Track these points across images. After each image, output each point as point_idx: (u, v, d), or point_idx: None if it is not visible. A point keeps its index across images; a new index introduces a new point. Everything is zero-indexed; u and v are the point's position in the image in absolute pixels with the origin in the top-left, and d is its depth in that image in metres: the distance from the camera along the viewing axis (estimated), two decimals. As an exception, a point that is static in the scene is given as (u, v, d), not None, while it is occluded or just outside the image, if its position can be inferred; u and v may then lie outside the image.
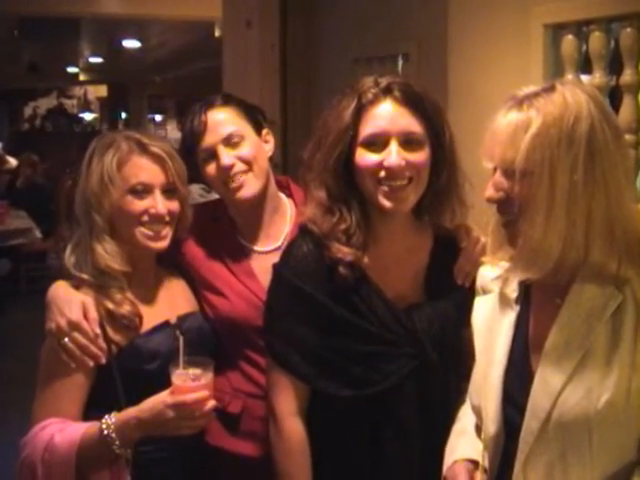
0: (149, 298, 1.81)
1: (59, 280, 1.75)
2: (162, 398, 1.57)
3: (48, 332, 1.67)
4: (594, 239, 1.31)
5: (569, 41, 2.46)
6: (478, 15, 2.81)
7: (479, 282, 1.58)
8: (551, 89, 1.33)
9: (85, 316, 1.66)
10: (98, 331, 1.66)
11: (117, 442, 1.58)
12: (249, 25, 4.10)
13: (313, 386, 1.67)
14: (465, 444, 1.54)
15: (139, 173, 1.74)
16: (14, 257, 8.20)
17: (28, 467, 1.63)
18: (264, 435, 1.79)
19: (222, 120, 1.89)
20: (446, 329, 1.67)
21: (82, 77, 15.62)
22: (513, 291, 1.47)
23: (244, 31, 4.13)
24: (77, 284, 1.73)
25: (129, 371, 1.68)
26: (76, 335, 1.64)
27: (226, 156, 1.86)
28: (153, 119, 17.74)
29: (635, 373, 1.29)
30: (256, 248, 1.96)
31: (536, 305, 1.44)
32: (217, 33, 6.51)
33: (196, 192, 2.63)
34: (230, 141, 1.88)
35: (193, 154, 1.90)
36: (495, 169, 1.37)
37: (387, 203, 1.59)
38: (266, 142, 1.98)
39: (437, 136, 1.63)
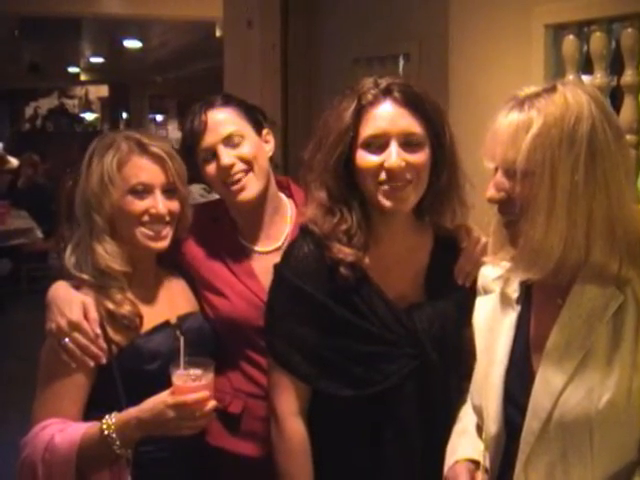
0: (149, 298, 1.81)
1: (59, 280, 1.75)
2: (163, 398, 1.57)
3: (48, 332, 1.67)
4: (595, 239, 1.30)
5: (570, 41, 2.46)
6: (479, 15, 2.80)
7: (480, 282, 1.58)
8: (552, 89, 1.33)
9: (85, 316, 1.66)
10: (98, 331, 1.66)
11: (117, 442, 1.58)
12: (250, 25, 4.10)
13: (314, 386, 1.67)
14: (466, 444, 1.54)
15: (139, 173, 1.74)
16: (15, 257, 8.21)
17: (28, 467, 1.63)
18: (265, 435, 1.79)
19: (222, 120, 1.89)
20: (446, 329, 1.67)
21: (83, 77, 15.64)
22: (514, 291, 1.47)
23: (245, 31, 4.13)
24: (77, 284, 1.73)
25: (129, 371, 1.68)
26: (76, 335, 1.64)
27: (226, 156, 1.86)
28: (154, 119, 17.74)
29: (636, 373, 1.29)
30: (256, 248, 1.96)
31: (537, 305, 1.44)
32: (218, 33, 6.52)
33: (196, 192, 2.63)
34: (230, 141, 1.88)
35: (193, 154, 1.90)
36: (496, 169, 1.37)
37: (387, 203, 1.59)
38: (266, 142, 1.98)
39: (437, 137, 1.63)
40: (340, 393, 1.64)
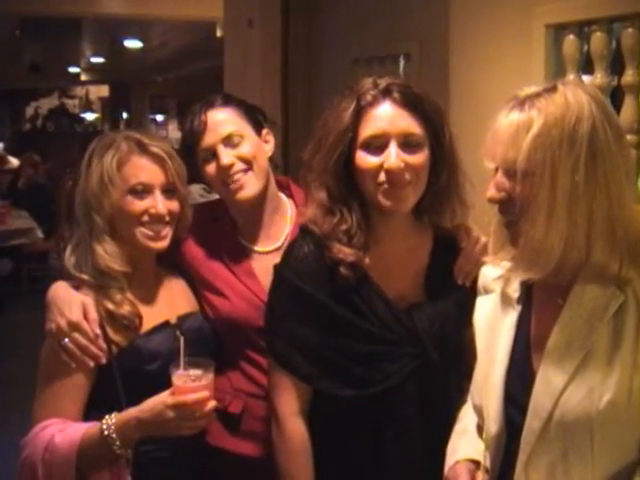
0: (149, 298, 1.81)
1: (59, 281, 1.75)
2: (162, 399, 1.57)
3: (48, 333, 1.67)
4: (595, 240, 1.30)
5: (571, 41, 2.45)
6: (480, 15, 2.80)
7: (481, 282, 1.58)
8: (553, 89, 1.33)
9: (85, 317, 1.66)
10: (98, 331, 1.66)
11: (117, 442, 1.58)
12: (250, 25, 4.10)
13: (315, 386, 1.67)
14: (466, 444, 1.54)
15: (139, 173, 1.74)
16: (16, 257, 8.21)
17: (29, 467, 1.63)
18: (265, 435, 1.79)
19: (222, 120, 1.89)
20: (447, 328, 1.67)
21: (84, 77, 15.65)
22: (515, 291, 1.47)
23: (245, 31, 4.13)
24: (77, 285, 1.73)
25: (129, 371, 1.68)
26: (76, 336, 1.64)
27: (226, 156, 1.86)
28: (155, 119, 17.75)
29: (637, 373, 1.29)
30: (256, 248, 1.96)
31: (538, 305, 1.44)
32: (219, 33, 6.52)
33: (196, 192, 2.63)
34: (230, 141, 1.88)
35: (193, 154, 1.89)
36: (497, 169, 1.37)
37: (387, 203, 1.59)
38: (266, 142, 1.98)
39: (437, 137, 1.63)
40: (341, 393, 1.64)
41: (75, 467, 1.59)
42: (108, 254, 1.73)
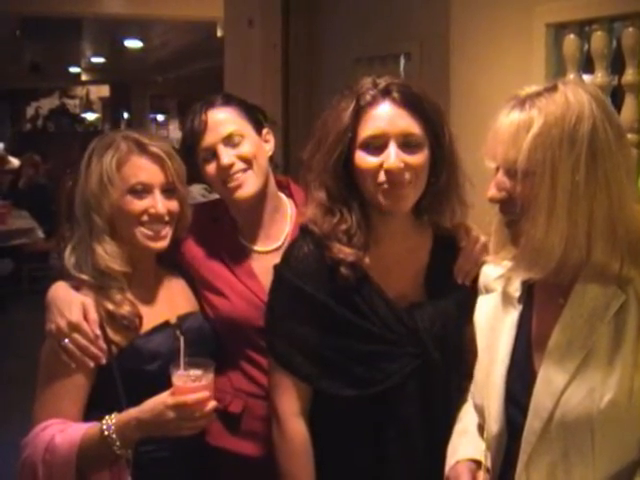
0: (149, 298, 1.81)
1: (59, 281, 1.75)
2: (163, 399, 1.57)
3: (48, 333, 1.67)
4: (596, 239, 1.30)
5: (571, 40, 2.45)
6: (480, 14, 2.80)
7: (482, 281, 1.58)
8: (553, 89, 1.33)
9: (85, 317, 1.66)
10: (98, 332, 1.66)
11: (118, 443, 1.58)
12: (251, 25, 4.10)
13: (315, 386, 1.67)
14: (467, 444, 1.54)
15: (138, 173, 1.74)
16: (16, 257, 8.20)
17: (29, 467, 1.63)
18: (265, 435, 1.79)
19: (222, 120, 1.89)
20: (447, 328, 1.67)
21: (84, 77, 15.65)
22: (516, 290, 1.47)
23: (246, 31, 4.13)
24: (77, 285, 1.73)
25: (129, 372, 1.68)
26: (76, 336, 1.64)
27: (226, 155, 1.86)
28: (155, 119, 17.75)
29: (638, 372, 1.29)
30: (256, 248, 1.96)
31: (539, 304, 1.44)
32: (219, 33, 6.52)
33: (197, 192, 2.63)
34: (230, 141, 1.88)
35: (193, 154, 1.89)
36: (497, 169, 1.37)
37: (387, 203, 1.59)
38: (266, 142, 1.98)
39: (436, 137, 1.62)
40: (342, 393, 1.64)
41: (75, 467, 1.59)
42: (108, 254, 1.73)
